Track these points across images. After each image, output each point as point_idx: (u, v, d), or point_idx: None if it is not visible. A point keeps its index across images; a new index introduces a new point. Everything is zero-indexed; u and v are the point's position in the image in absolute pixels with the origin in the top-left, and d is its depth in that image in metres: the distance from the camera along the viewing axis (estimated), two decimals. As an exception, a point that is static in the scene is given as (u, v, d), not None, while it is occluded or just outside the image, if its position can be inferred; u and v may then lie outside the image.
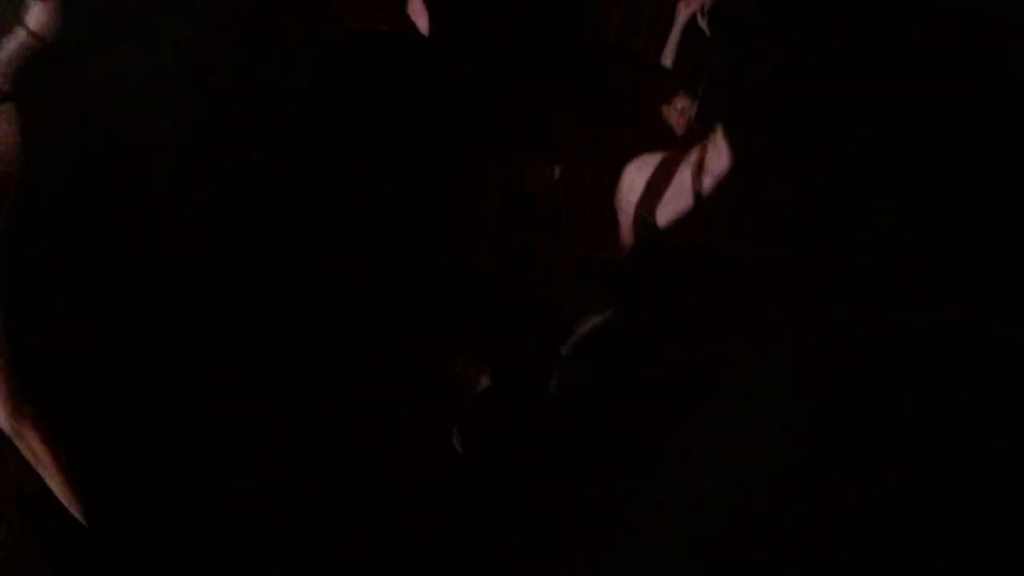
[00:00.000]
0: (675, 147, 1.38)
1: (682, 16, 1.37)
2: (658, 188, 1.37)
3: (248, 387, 1.38)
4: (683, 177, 1.35)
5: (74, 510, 1.28)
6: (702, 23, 1.34)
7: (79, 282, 1.36)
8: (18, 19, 1.35)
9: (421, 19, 1.39)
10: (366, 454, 1.40)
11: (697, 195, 1.31)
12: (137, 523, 1.34)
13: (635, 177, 1.37)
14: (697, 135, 1.35)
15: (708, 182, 1.32)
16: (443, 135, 1.44)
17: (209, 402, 1.37)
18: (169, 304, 1.39)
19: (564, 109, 1.46)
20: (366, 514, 1.38)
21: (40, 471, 1.28)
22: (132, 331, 1.37)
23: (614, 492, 1.34)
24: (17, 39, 1.34)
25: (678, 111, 1.40)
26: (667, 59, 1.40)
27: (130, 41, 1.39)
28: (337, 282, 1.41)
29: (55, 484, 1.28)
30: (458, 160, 1.44)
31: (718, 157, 1.30)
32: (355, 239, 1.41)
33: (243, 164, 1.43)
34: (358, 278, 1.41)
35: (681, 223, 1.32)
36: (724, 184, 1.29)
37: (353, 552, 1.38)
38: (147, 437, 1.36)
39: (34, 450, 1.27)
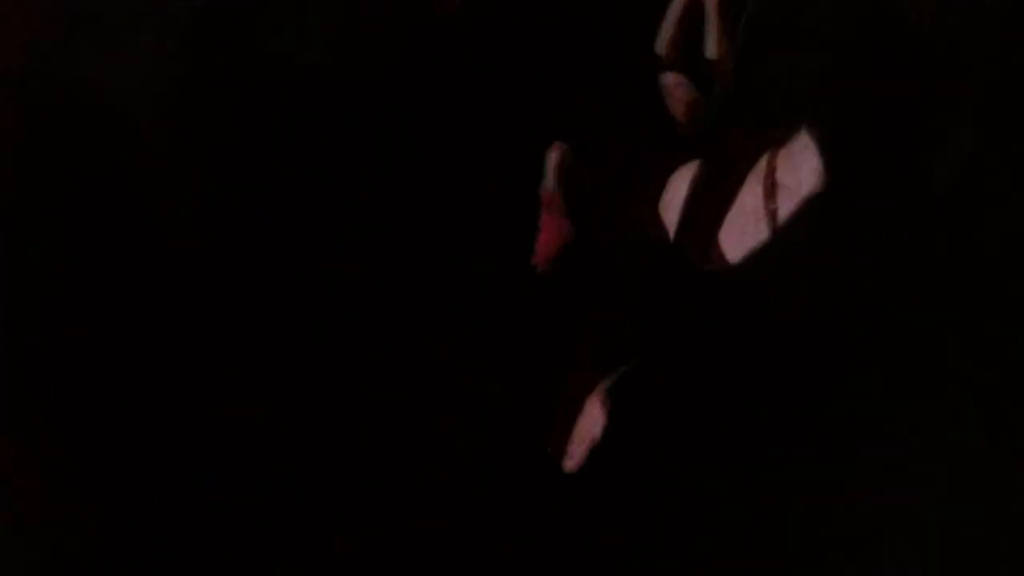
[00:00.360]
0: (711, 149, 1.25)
1: (678, 2, 1.33)
2: (714, 207, 1.18)
3: (248, 387, 1.38)
4: (750, 195, 1.14)
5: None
6: (710, 11, 1.30)
7: (79, 282, 1.36)
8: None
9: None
10: (366, 454, 1.40)
11: (772, 219, 1.10)
12: (137, 523, 1.34)
13: (674, 185, 1.23)
14: (752, 139, 1.17)
15: (787, 204, 1.12)
16: (445, 132, 1.44)
17: (209, 402, 1.37)
18: (169, 304, 1.38)
19: (562, 102, 1.45)
20: (366, 514, 1.38)
21: None
22: (132, 331, 1.37)
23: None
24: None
25: (676, 99, 1.37)
26: (660, 47, 1.37)
27: (131, 34, 1.39)
28: (337, 282, 1.41)
29: None
30: (460, 157, 1.44)
31: (795, 170, 1.10)
32: (355, 239, 1.41)
33: (243, 163, 1.43)
34: (358, 278, 1.41)
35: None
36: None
37: (354, 552, 1.38)
38: (147, 437, 1.36)
39: None
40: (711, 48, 1.31)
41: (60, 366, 1.33)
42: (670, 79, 1.31)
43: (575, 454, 1.31)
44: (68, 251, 1.36)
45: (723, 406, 1.31)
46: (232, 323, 1.39)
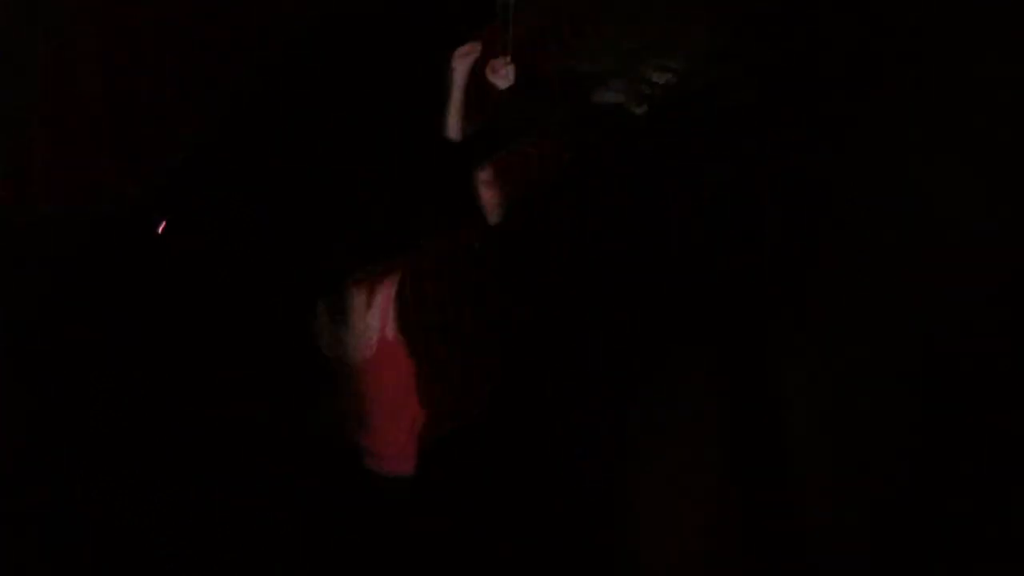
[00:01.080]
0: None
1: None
2: None
3: (248, 387, 1.38)
4: None
5: None
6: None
7: (79, 282, 1.37)
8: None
9: None
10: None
11: None
12: (137, 523, 1.34)
13: None
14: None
15: None
16: (438, 132, 1.44)
17: (209, 402, 1.37)
18: (169, 304, 1.39)
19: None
20: (366, 514, 1.38)
21: None
22: (132, 331, 1.37)
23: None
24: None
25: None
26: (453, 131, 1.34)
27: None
28: (337, 282, 1.41)
29: None
30: (461, 157, 1.44)
31: None
32: (355, 239, 1.41)
33: (244, 164, 1.43)
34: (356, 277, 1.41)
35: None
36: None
37: (353, 552, 1.38)
38: (147, 437, 1.36)
39: None
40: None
41: (60, 366, 1.34)
42: (484, 174, 1.29)
43: None
44: (68, 252, 1.36)
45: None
46: (232, 323, 1.39)
